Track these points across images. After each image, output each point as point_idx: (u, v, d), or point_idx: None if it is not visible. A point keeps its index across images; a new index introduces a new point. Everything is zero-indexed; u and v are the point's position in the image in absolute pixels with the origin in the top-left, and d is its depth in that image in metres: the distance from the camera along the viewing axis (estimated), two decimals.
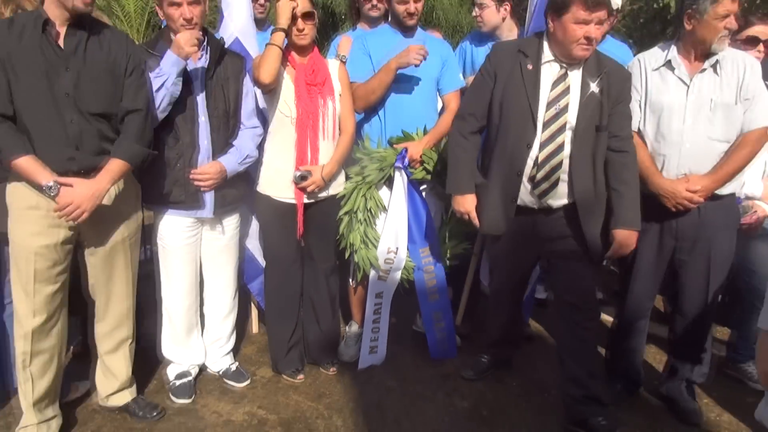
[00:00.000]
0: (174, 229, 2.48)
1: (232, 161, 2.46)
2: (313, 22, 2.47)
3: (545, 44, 2.24)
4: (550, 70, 2.23)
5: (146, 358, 2.68)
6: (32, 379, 2.14)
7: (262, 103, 2.61)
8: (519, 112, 2.24)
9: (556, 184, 2.25)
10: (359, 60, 2.77)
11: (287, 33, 2.42)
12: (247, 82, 2.53)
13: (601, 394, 2.38)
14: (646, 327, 2.59)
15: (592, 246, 2.30)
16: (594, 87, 2.19)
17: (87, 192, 2.02)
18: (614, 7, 2.40)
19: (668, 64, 2.29)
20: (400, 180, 2.76)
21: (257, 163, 2.60)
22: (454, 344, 3.03)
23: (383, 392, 2.70)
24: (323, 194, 2.63)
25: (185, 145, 2.39)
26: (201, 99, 2.39)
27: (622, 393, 2.63)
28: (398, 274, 2.84)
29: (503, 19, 3.02)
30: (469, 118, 2.41)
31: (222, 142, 2.47)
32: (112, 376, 2.40)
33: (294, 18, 2.41)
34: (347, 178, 2.76)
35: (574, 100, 2.20)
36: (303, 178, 2.51)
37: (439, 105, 2.95)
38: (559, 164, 2.22)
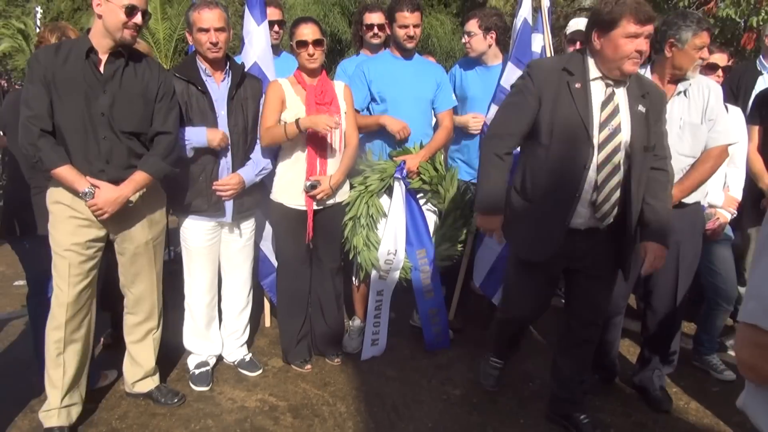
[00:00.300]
0: (196, 232, 2.63)
1: (249, 173, 2.61)
2: (322, 48, 2.61)
3: (590, 61, 2.12)
4: (597, 89, 2.12)
5: (168, 350, 2.77)
6: (64, 365, 2.24)
7: None
8: (572, 133, 2.09)
9: (615, 205, 2.14)
10: (357, 87, 2.90)
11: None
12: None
13: (585, 397, 2.43)
14: (620, 323, 2.71)
15: (629, 263, 2.24)
16: (641, 107, 2.11)
17: (110, 197, 2.17)
18: None
19: None
20: (399, 189, 2.90)
21: (271, 173, 2.73)
22: (447, 337, 3.17)
23: (383, 381, 2.82)
24: (330, 201, 2.74)
25: (208, 159, 2.53)
26: (223, 117, 2.53)
27: (600, 382, 2.75)
28: (397, 274, 2.98)
29: (489, 46, 3.10)
30: (507, 139, 2.22)
31: (241, 156, 2.60)
32: (138, 365, 2.53)
33: (305, 44, 2.58)
34: (351, 187, 2.87)
35: (625, 120, 2.10)
36: (313, 187, 2.63)
37: (433, 122, 3.11)
38: (618, 185, 2.11)
